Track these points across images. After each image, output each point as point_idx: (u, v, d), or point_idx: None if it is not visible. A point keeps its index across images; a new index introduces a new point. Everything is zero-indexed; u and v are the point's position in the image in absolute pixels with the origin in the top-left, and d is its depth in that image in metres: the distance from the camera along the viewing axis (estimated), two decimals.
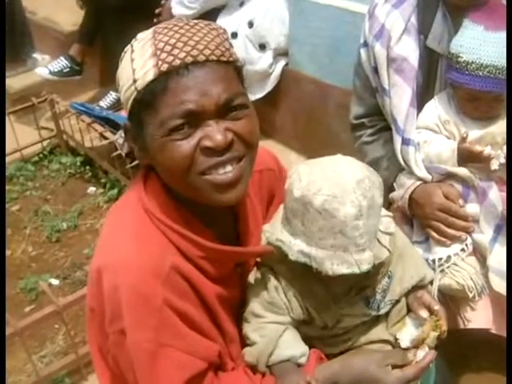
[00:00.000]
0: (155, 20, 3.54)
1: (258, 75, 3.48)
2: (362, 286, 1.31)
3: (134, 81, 1.13)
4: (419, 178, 1.79)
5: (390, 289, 1.35)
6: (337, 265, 1.17)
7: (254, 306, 1.33)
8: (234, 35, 3.40)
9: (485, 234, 1.70)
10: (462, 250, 1.72)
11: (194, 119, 1.12)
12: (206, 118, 1.13)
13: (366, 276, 1.26)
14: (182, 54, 1.11)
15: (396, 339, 1.35)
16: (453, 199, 1.74)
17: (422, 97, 1.79)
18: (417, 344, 1.29)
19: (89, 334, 1.33)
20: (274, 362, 1.28)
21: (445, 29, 1.74)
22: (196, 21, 1.20)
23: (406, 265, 1.37)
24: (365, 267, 1.18)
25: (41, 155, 3.86)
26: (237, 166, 1.17)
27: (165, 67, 1.11)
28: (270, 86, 3.57)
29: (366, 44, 1.86)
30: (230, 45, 1.21)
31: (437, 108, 1.77)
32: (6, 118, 3.56)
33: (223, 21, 3.45)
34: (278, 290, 1.31)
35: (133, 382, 1.19)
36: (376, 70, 1.83)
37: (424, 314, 1.35)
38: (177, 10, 3.52)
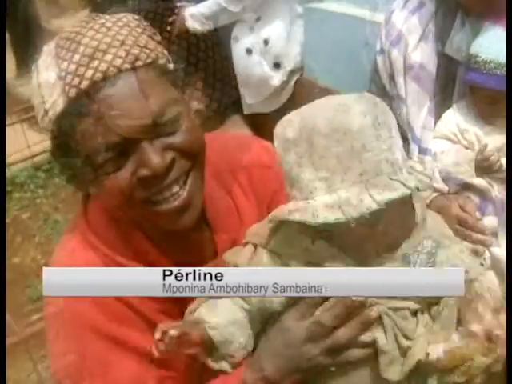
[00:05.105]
0: (168, 28, 3.50)
1: (270, 91, 3.44)
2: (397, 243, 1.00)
3: (46, 112, 1.00)
4: (435, 190, 1.74)
5: (436, 254, 1.06)
6: (378, 193, 0.89)
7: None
8: (249, 51, 3.37)
9: (503, 247, 1.64)
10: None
11: (122, 148, 0.97)
12: (136, 142, 0.97)
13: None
14: (90, 72, 0.95)
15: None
16: (469, 212, 1.68)
17: (439, 105, 1.75)
18: (451, 358, 0.94)
19: None
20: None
21: (463, 36, 1.70)
22: (104, 18, 1.03)
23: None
24: (412, 184, 0.92)
25: (52, 163, 3.84)
26: (185, 186, 1.03)
27: (73, 92, 0.95)
28: (284, 98, 3.51)
29: (382, 51, 1.82)
30: (151, 36, 1.04)
31: (455, 117, 1.73)
32: (19, 125, 3.56)
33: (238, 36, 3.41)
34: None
35: None
36: (392, 78, 1.79)
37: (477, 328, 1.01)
38: (190, 22, 3.48)
